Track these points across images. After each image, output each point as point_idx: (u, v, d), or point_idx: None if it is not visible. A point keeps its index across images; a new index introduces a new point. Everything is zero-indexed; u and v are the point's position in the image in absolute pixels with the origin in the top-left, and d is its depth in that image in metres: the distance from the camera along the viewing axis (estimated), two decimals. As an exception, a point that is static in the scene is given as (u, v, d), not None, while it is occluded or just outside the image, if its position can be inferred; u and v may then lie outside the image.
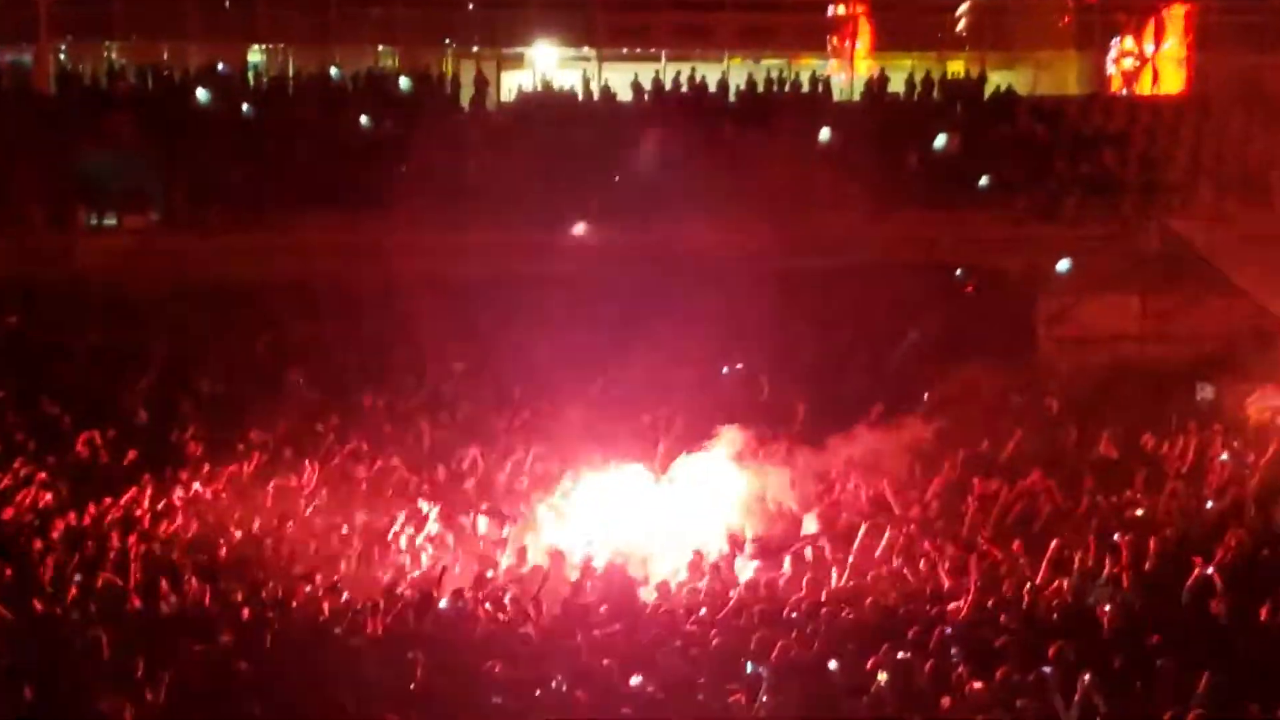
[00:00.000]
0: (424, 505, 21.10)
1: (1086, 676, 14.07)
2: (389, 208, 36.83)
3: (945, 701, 14.12)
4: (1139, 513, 19.74)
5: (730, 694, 14.25)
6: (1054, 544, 18.01)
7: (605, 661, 15.03)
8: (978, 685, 14.15)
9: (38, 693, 13.89)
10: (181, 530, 19.73)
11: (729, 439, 22.73)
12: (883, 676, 14.44)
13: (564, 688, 14.34)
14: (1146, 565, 17.65)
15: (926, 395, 26.78)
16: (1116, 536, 18.34)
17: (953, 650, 15.20)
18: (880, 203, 35.73)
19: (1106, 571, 17.36)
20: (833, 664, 14.98)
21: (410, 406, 26.22)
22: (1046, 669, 14.47)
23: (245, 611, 16.43)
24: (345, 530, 20.24)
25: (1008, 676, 14.32)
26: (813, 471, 22.25)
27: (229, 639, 15.58)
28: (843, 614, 16.26)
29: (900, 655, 14.74)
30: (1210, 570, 17.00)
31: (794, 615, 16.39)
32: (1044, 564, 17.79)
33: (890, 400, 25.48)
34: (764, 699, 14.13)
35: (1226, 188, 35.83)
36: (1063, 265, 32.60)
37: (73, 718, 13.50)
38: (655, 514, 20.90)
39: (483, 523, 20.78)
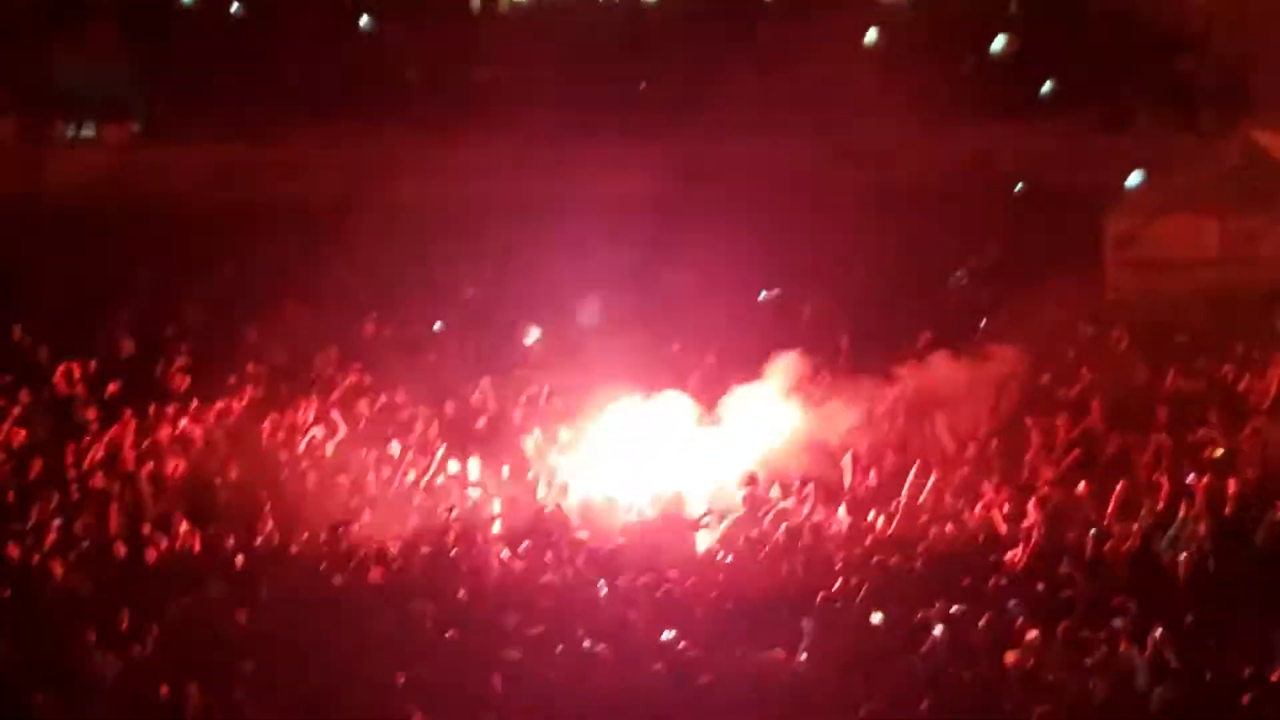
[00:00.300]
0: (431, 443, 21.13)
1: (1158, 631, 14.04)
2: (392, 118, 36.76)
3: (1008, 658, 14.11)
4: (1217, 453, 19.63)
5: (769, 649, 14.25)
6: (1120, 486, 17.93)
7: (632, 615, 15.07)
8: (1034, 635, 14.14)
9: (14, 645, 13.96)
10: (169, 471, 19.75)
11: (766, 371, 22.72)
12: (938, 629, 14.43)
13: (587, 643, 14.36)
14: (1225, 510, 17.57)
15: (982, 325, 26.68)
16: (1191, 478, 18.26)
17: (1011, 602, 15.19)
18: (932, 112, 35.51)
19: (1180, 516, 17.28)
20: (877, 616, 14.97)
21: (416, 336, 26.20)
22: (1116, 622, 14.46)
23: (239, 559, 16.47)
24: (347, 470, 20.26)
25: (1071, 631, 14.31)
26: (858, 407, 22.22)
27: (221, 589, 15.62)
28: (891, 562, 16.24)
29: (954, 608, 14.73)
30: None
31: (838, 565, 16.36)
32: (1110, 508, 17.72)
33: (942, 330, 25.40)
34: (805, 655, 14.12)
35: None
36: (1133, 181, 32.35)
37: (52, 672, 13.54)
38: (686, 452, 20.90)
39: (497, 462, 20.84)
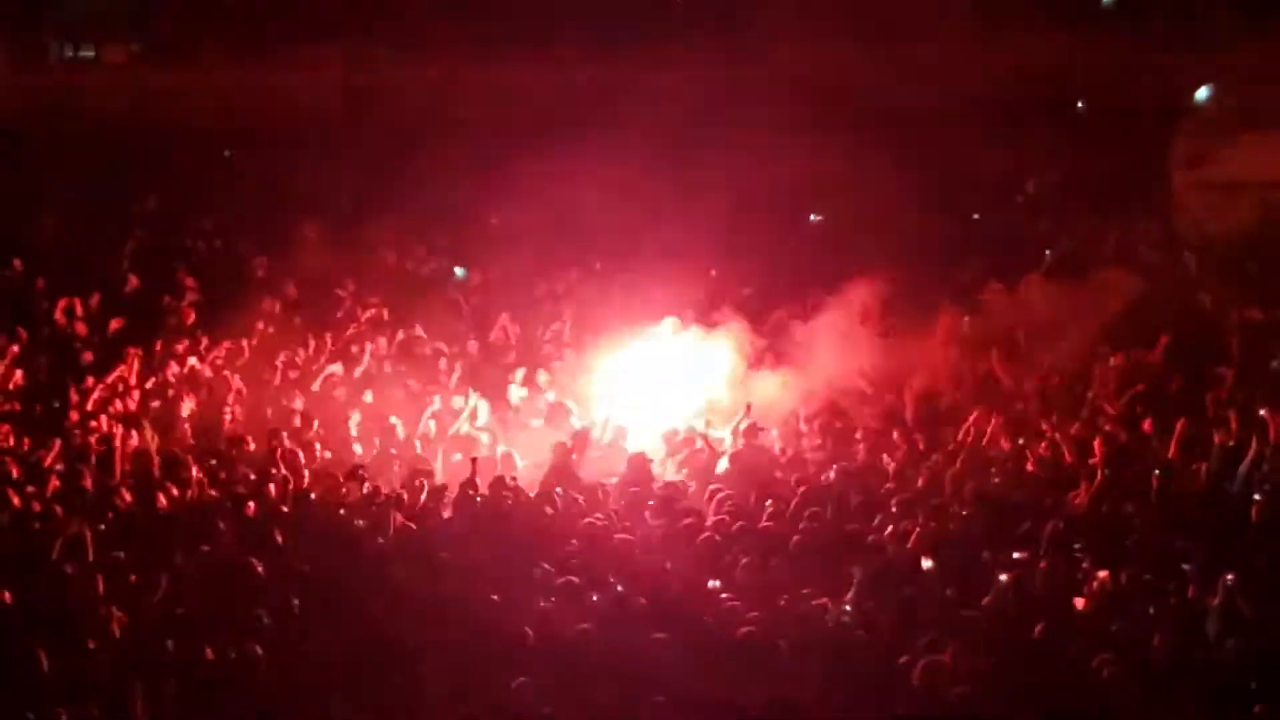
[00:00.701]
0: (454, 381, 21.21)
1: (1229, 578, 14.01)
2: (411, 40, 36.66)
3: (1078, 603, 14.08)
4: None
5: (814, 599, 14.26)
6: (1181, 423, 17.88)
7: (668, 564, 15.11)
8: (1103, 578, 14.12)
9: (16, 598, 14.04)
10: (177, 413, 19.83)
11: (807, 303, 22.71)
12: (1003, 577, 14.44)
13: (620, 592, 14.40)
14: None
15: (1047, 252, 26.61)
16: (1264, 412, 18.19)
17: (1075, 546, 15.19)
18: (986, 23, 35.24)
19: (1252, 453, 17.20)
20: (926, 563, 14.98)
21: (437, 268, 26.22)
22: (1185, 566, 14.44)
23: (251, 506, 16.54)
24: (363, 411, 20.34)
25: (1136, 577, 14.30)
26: (908, 342, 22.21)
27: (234, 537, 15.69)
28: (945, 507, 16.24)
29: (1015, 555, 14.74)
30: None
31: (891, 508, 16.36)
32: (1175, 445, 17.66)
33: (999, 259, 25.35)
34: (850, 606, 14.13)
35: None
36: (1203, 95, 32.12)
37: (55, 626, 13.63)
38: (725, 390, 20.93)
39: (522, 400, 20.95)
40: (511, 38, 36.12)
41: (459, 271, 26.99)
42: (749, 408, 19.85)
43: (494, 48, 35.78)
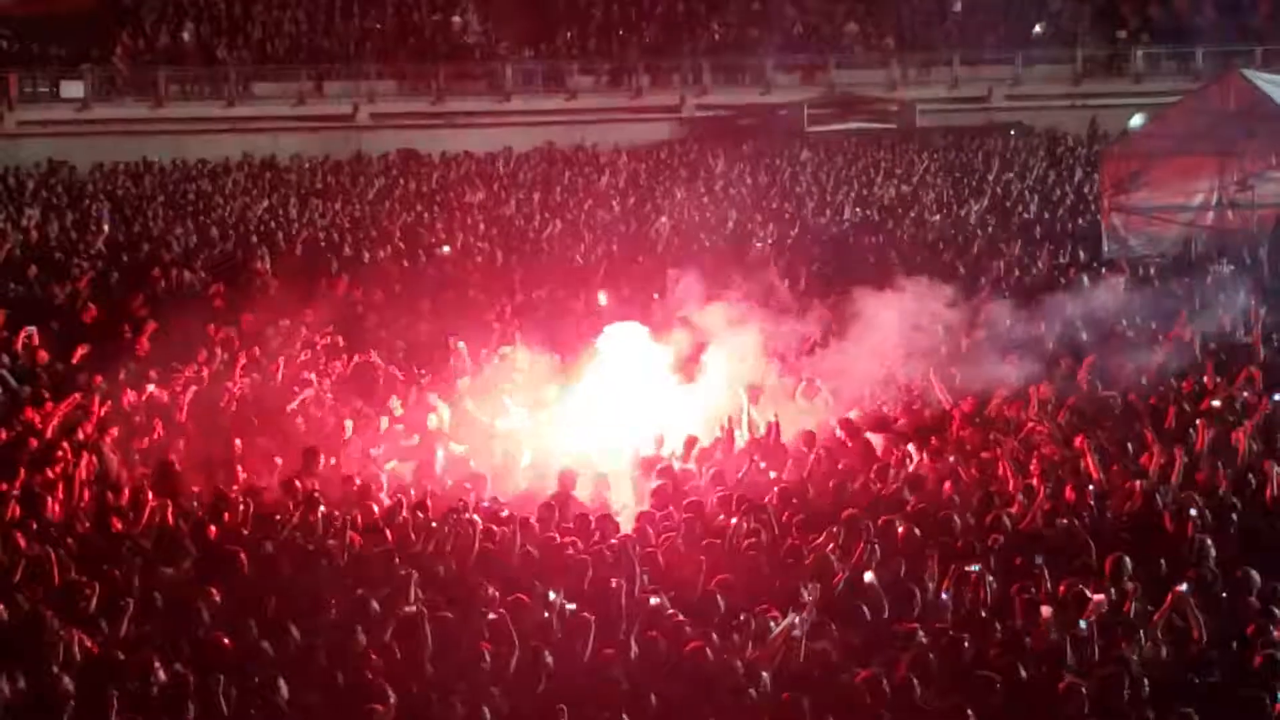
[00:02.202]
0: (405, 405, 21.07)
1: (1183, 586, 14.02)
2: (361, 72, 36.65)
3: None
4: (1215, 403, 19.55)
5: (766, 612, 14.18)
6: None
7: (614, 582, 14.99)
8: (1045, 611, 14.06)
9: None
10: (135, 439, 19.63)
11: (754, 319, 22.70)
12: (945, 595, 14.39)
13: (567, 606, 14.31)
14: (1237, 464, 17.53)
15: (973, 276, 26.68)
16: (1192, 431, 18.24)
17: (1015, 561, 15.17)
18: (919, 54, 35.50)
19: (1180, 469, 17.21)
20: (868, 576, 14.91)
21: (390, 295, 26.08)
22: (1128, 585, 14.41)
23: (212, 530, 16.37)
24: (320, 434, 20.18)
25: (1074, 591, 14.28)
26: (847, 359, 22.19)
27: (196, 561, 15.53)
28: (887, 522, 16.18)
29: (969, 568, 14.68)
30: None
31: (834, 527, 16.30)
32: (1110, 464, 17.68)
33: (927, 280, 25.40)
34: (803, 617, 14.03)
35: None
36: (1135, 123, 32.37)
37: (17, 650, 13.44)
38: (676, 411, 20.88)
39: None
40: (462, 68, 36.23)
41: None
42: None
43: (443, 75, 35.84)
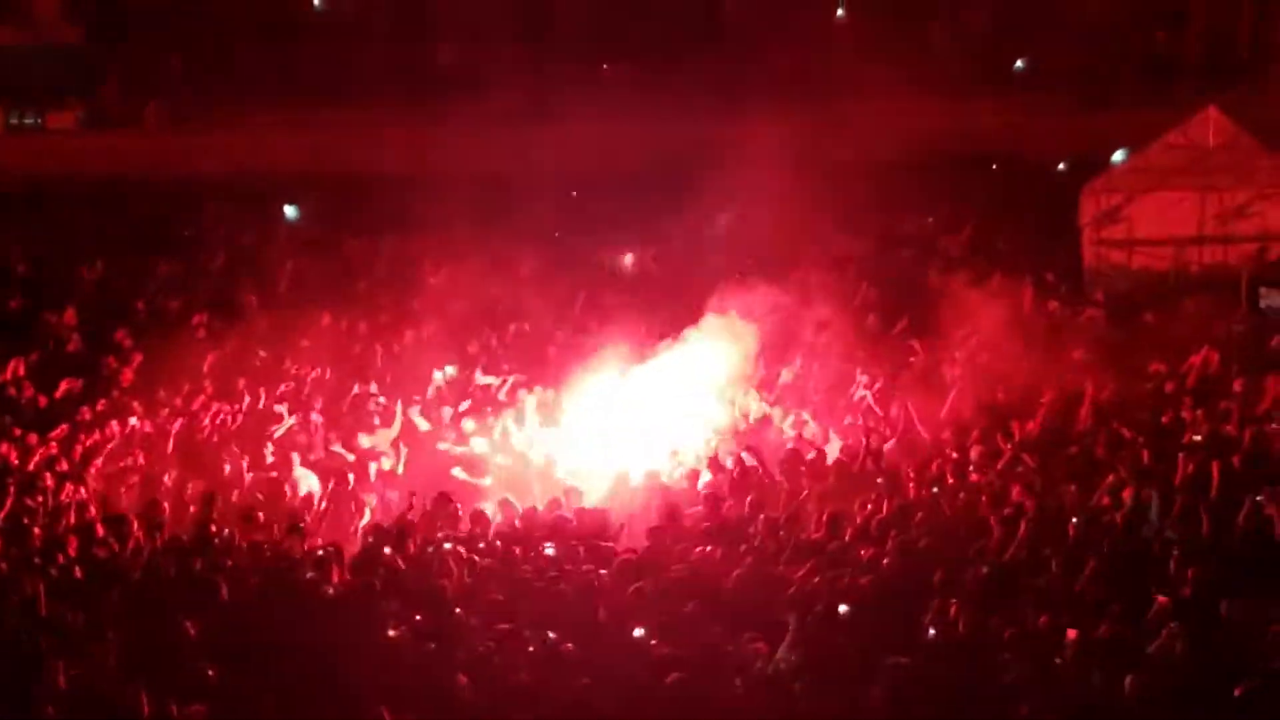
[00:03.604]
0: (392, 436, 21.17)
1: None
2: (349, 99, 36.71)
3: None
4: (1196, 439, 19.64)
5: (750, 642, 14.22)
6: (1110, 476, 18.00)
7: (600, 613, 15.06)
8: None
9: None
10: (120, 471, 19.67)
11: (730, 353, 22.84)
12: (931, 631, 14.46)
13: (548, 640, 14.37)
14: (1211, 494, 17.62)
15: (957, 307, 26.72)
16: (1175, 463, 18.32)
17: (996, 595, 15.23)
18: (908, 88, 35.57)
19: (1158, 503, 17.30)
20: (842, 608, 14.97)
21: (377, 325, 26.12)
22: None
23: (198, 562, 16.41)
24: (306, 467, 20.25)
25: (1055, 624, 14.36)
26: (831, 393, 22.31)
27: (180, 591, 15.57)
28: (869, 554, 16.25)
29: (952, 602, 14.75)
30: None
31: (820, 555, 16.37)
32: (1092, 495, 17.77)
33: (915, 311, 25.47)
34: (785, 652, 14.09)
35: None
36: (1115, 158, 32.47)
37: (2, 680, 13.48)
38: (648, 438, 21.02)
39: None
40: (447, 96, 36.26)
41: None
42: None
43: (429, 102, 35.90)
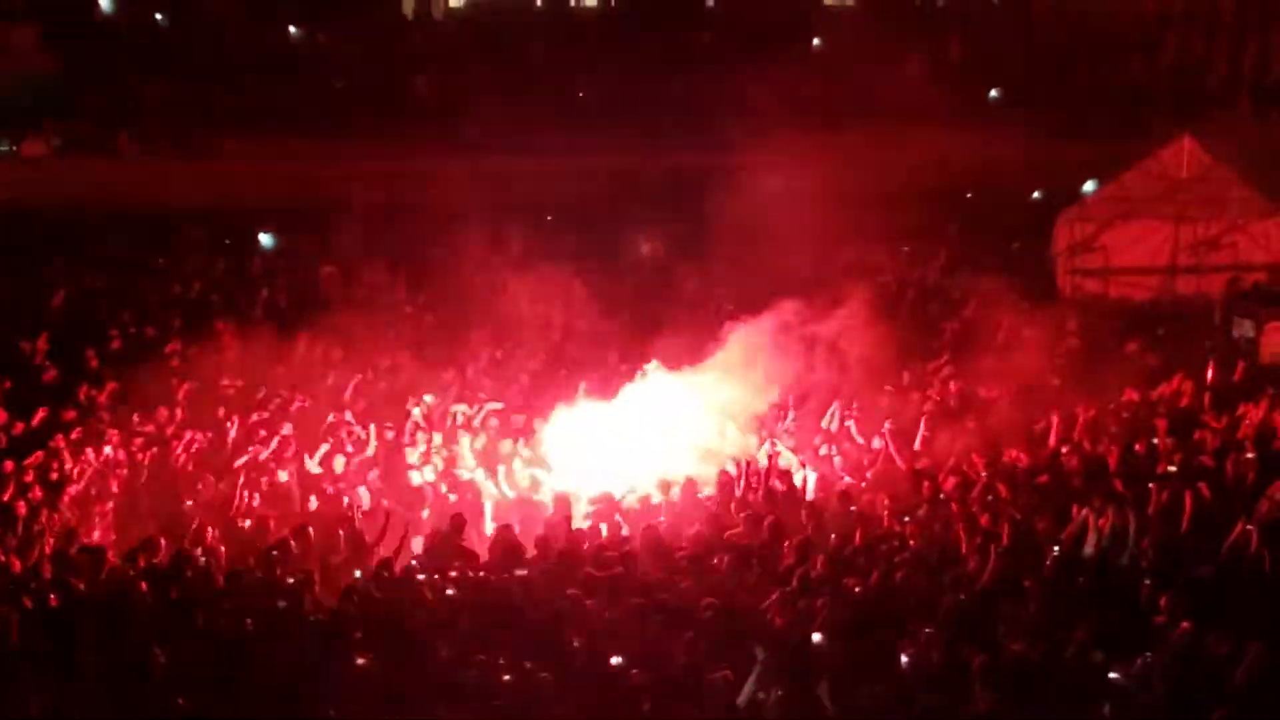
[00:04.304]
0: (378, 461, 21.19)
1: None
2: (323, 130, 36.71)
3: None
4: (1171, 468, 19.68)
5: (718, 670, 14.23)
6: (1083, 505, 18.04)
7: (575, 641, 15.05)
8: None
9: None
10: (94, 498, 19.63)
11: (706, 382, 22.91)
12: (904, 658, 14.47)
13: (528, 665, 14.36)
14: (1182, 524, 17.67)
15: (938, 335, 26.80)
16: (1146, 491, 18.36)
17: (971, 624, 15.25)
18: (879, 118, 35.67)
19: (1134, 531, 17.33)
20: (816, 636, 14.98)
21: (351, 353, 26.08)
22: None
23: (173, 591, 16.37)
24: (279, 495, 20.22)
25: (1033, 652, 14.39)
26: (799, 423, 22.36)
27: (155, 619, 15.53)
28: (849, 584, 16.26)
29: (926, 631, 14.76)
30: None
31: (789, 587, 16.38)
32: (1066, 524, 17.81)
33: (887, 339, 25.52)
34: (754, 684, 14.10)
35: (1272, 97, 35.82)
36: (1086, 188, 32.62)
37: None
38: (626, 467, 21.06)
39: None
40: (420, 127, 36.28)
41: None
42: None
43: (403, 134, 35.93)
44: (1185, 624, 14.75)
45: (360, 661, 14.52)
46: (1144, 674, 14.02)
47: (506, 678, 14.18)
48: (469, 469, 21.43)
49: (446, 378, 24.67)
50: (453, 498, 20.53)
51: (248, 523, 19.33)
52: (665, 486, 20.07)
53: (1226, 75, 37.74)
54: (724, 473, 20.34)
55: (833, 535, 18.08)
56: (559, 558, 17.52)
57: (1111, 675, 14.11)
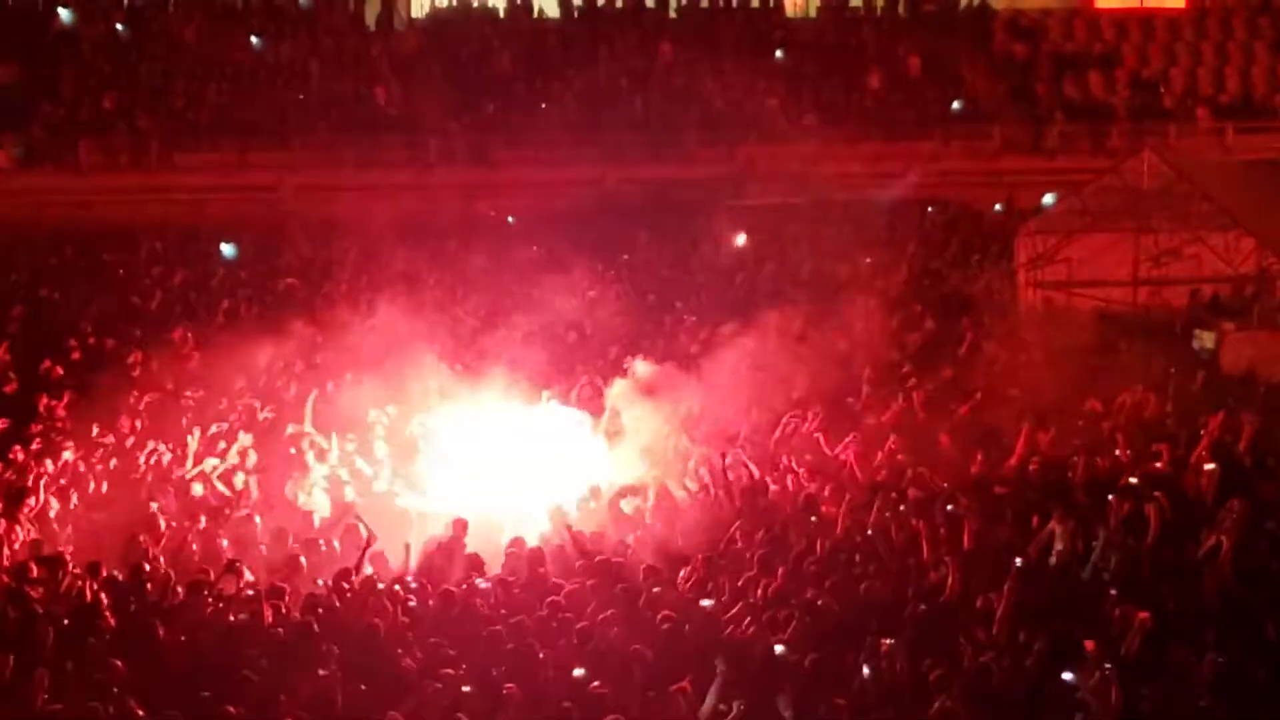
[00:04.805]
0: (333, 476, 21.09)
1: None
2: (284, 143, 36.62)
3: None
4: (1132, 480, 19.71)
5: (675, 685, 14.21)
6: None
7: (540, 653, 15.02)
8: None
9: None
10: (53, 508, 19.51)
11: (654, 388, 22.95)
12: (866, 670, 14.47)
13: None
14: (1145, 535, 17.71)
15: (893, 348, 26.82)
16: (1109, 502, 18.41)
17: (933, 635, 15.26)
18: (840, 131, 35.74)
19: (1097, 542, 17.37)
20: (780, 647, 14.98)
21: (311, 365, 26.01)
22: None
23: (130, 601, 16.28)
24: (241, 506, 20.13)
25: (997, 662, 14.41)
26: (765, 433, 22.36)
27: (114, 632, 15.44)
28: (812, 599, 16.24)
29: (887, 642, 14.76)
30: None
31: (751, 597, 16.38)
32: (1028, 534, 17.85)
33: (846, 352, 25.57)
34: (715, 696, 14.09)
35: (1229, 112, 36.00)
36: (1046, 200, 32.72)
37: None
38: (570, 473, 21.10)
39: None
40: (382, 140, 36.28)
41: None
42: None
43: (364, 147, 35.92)
44: (1145, 633, 14.83)
45: (322, 673, 14.46)
46: (1104, 685, 14.03)
47: (467, 688, 14.16)
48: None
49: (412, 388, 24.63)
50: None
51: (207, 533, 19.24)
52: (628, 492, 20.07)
53: (1183, 90, 37.93)
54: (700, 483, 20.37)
55: (794, 546, 18.08)
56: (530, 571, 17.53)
57: (1070, 684, 14.15)
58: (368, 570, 17.73)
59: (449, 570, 17.99)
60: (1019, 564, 16.81)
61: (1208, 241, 29.52)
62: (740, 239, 33.31)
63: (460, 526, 18.80)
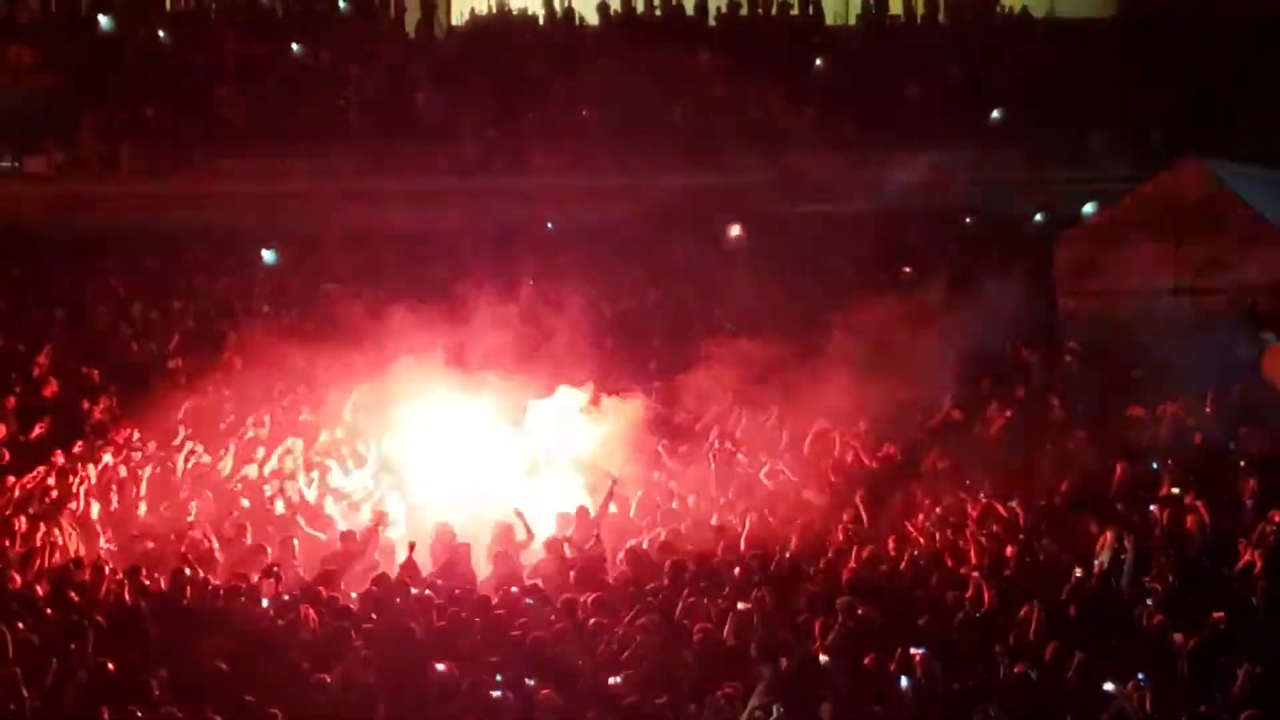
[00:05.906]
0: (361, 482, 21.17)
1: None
2: (324, 149, 36.69)
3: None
4: (1174, 490, 19.63)
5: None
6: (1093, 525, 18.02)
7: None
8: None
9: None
10: (96, 514, 19.60)
11: (678, 404, 22.98)
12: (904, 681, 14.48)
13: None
14: (1187, 550, 17.64)
15: (930, 358, 26.72)
16: (1151, 514, 18.35)
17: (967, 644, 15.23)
18: (878, 141, 35.63)
19: (1132, 557, 17.29)
20: (823, 658, 15.00)
21: (352, 369, 26.06)
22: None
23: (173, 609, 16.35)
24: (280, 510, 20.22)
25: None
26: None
27: (153, 636, 15.52)
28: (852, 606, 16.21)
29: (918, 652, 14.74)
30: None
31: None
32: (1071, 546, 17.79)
33: (883, 364, 25.48)
34: (757, 702, 14.09)
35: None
36: (1087, 210, 32.57)
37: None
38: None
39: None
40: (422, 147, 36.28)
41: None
42: None
43: (404, 153, 35.96)
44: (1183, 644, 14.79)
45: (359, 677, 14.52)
46: (1142, 695, 13.99)
47: (498, 695, 14.20)
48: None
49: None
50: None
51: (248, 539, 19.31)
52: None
53: (1230, 96, 37.68)
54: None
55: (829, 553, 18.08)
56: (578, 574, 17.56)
57: (1110, 694, 14.11)
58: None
59: (474, 574, 18.07)
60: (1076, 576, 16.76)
61: (1249, 250, 29.34)
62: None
63: (501, 528, 18.90)
